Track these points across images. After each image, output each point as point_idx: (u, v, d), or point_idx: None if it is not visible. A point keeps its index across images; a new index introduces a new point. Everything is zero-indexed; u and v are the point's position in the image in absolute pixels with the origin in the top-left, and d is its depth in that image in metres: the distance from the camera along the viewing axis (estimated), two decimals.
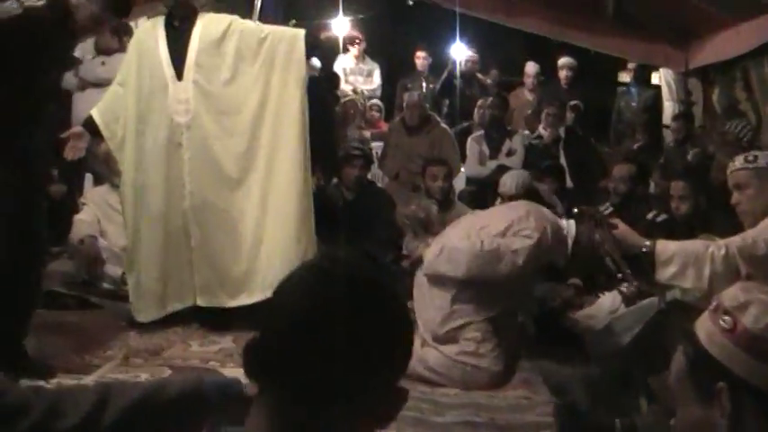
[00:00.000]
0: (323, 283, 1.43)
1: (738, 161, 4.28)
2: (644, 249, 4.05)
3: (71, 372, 4.77)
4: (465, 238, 4.97)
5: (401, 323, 1.49)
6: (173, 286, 5.71)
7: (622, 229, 4.16)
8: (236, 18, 5.75)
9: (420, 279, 5.20)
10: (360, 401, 1.41)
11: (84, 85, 7.92)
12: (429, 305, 5.07)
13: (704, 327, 1.83)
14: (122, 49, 7.37)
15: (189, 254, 5.67)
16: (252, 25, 5.77)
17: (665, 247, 4.02)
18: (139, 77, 5.64)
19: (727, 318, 1.78)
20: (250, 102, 5.66)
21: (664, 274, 3.99)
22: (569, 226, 4.92)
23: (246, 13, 5.97)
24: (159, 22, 5.72)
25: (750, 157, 4.24)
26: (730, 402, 1.72)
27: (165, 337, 5.54)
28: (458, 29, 9.40)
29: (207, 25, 5.65)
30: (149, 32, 5.76)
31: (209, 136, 5.64)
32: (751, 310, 1.76)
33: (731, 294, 1.83)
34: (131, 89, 5.63)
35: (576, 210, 4.44)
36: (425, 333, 5.04)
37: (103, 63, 7.84)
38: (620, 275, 4.65)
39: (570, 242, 4.88)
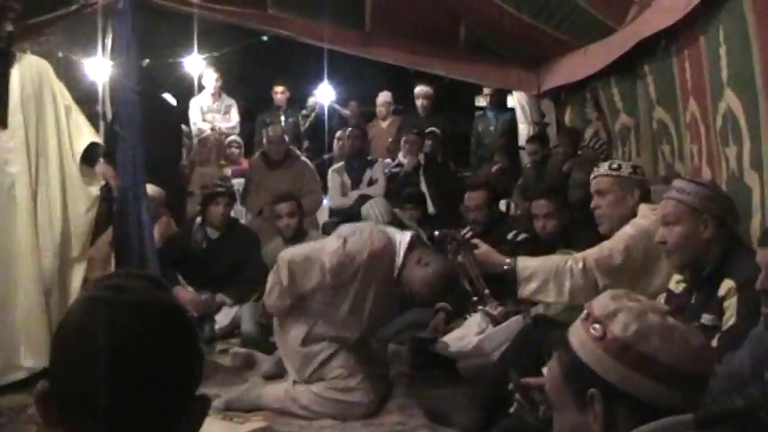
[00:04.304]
0: (109, 315, 1.40)
1: (603, 167, 4.45)
2: (506, 267, 4.13)
3: None
4: None
5: (188, 336, 1.49)
6: None
7: (484, 249, 4.22)
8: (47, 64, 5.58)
9: (276, 327, 5.16)
10: (165, 420, 1.42)
11: None
12: (287, 351, 5.04)
13: (577, 335, 1.86)
14: None
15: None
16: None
17: (526, 264, 4.12)
18: None
19: (597, 326, 1.82)
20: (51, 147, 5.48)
21: (526, 289, 4.09)
22: (403, 237, 4.85)
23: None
24: None
25: (614, 165, 4.43)
26: (603, 408, 1.75)
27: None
28: (325, 70, 9.51)
29: (27, 69, 5.41)
30: None
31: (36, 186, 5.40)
32: (620, 317, 1.80)
33: (601, 303, 1.86)
34: None
35: (437, 232, 4.42)
36: (293, 374, 5.01)
37: None
38: (475, 298, 4.62)
39: (402, 252, 4.77)
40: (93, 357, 1.36)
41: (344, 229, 4.95)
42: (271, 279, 4.96)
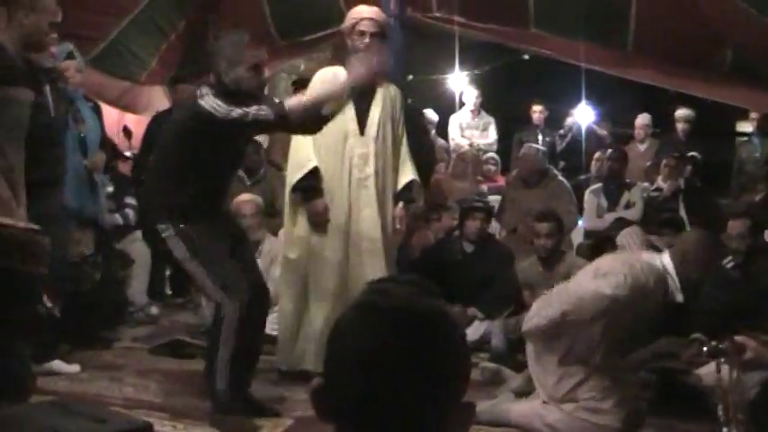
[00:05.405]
0: (375, 318, 1.45)
1: None
2: None
3: (194, 418, 4.91)
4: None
5: (456, 343, 1.51)
6: None
7: (754, 350, 3.68)
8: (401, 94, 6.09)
9: (529, 345, 5.18)
10: (430, 425, 1.45)
11: None
12: (540, 369, 5.03)
13: None
14: None
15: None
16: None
17: None
18: None
19: None
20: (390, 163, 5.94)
21: None
22: (664, 261, 4.78)
23: None
24: (342, 72, 5.65)
25: None
26: None
27: (287, 386, 5.59)
28: (583, 90, 9.50)
29: (388, 94, 5.90)
30: (336, 81, 5.72)
31: (380, 196, 5.82)
32: None
33: None
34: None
35: (705, 348, 4.04)
36: (543, 394, 5.00)
37: None
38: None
39: (674, 282, 4.72)
40: (361, 358, 1.43)
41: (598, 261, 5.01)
42: (544, 308, 4.97)
